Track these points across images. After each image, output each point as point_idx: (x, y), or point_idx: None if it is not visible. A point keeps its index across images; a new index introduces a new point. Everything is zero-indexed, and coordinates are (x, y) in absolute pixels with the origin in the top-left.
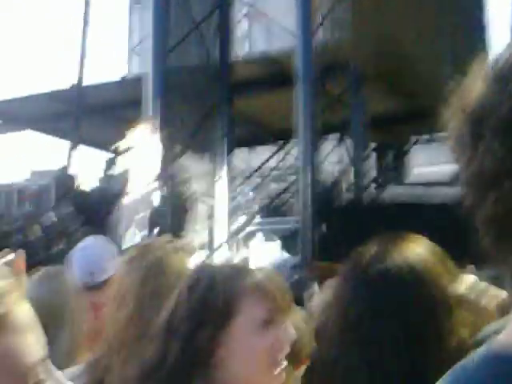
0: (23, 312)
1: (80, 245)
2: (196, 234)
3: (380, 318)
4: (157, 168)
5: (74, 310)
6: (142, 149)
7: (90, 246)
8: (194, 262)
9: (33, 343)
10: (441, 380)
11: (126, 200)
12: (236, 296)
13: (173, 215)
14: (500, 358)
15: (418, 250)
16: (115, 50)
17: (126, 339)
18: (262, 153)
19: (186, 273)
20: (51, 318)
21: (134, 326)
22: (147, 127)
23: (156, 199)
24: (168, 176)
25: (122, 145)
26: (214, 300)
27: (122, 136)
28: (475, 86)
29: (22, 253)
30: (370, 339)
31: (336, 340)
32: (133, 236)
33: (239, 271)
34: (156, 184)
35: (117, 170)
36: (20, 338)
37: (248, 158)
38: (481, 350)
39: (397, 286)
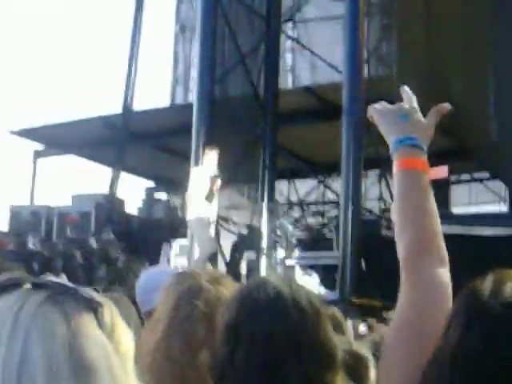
0: None
1: (145, 272)
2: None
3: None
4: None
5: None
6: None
7: (154, 273)
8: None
9: None
10: None
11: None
12: None
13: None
14: None
15: None
16: (159, 80)
17: (153, 364)
18: (301, 186)
19: (219, 302)
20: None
21: (161, 351)
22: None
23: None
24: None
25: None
26: None
27: (163, 165)
28: None
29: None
30: None
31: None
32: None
33: None
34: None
35: (158, 198)
36: None
37: (287, 191)
38: None
39: None
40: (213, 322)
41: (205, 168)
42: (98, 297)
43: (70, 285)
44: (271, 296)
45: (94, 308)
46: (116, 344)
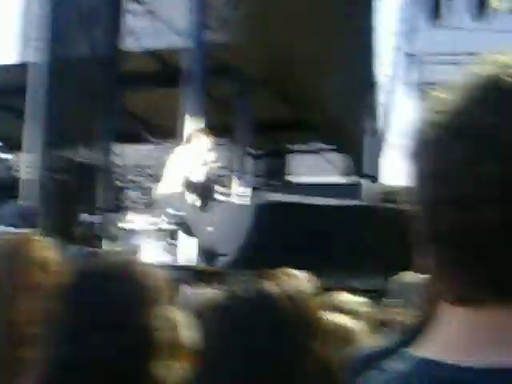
0: None
1: None
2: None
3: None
4: None
5: None
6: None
7: None
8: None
9: None
10: None
11: None
12: None
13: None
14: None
15: (294, 281)
16: (5, 38)
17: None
18: (140, 149)
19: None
20: None
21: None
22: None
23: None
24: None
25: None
26: None
27: (4, 124)
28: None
29: None
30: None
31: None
32: None
33: None
34: None
35: None
36: None
37: (126, 154)
38: (404, 361)
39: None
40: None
41: (192, 149)
42: None
43: None
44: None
45: None
46: None
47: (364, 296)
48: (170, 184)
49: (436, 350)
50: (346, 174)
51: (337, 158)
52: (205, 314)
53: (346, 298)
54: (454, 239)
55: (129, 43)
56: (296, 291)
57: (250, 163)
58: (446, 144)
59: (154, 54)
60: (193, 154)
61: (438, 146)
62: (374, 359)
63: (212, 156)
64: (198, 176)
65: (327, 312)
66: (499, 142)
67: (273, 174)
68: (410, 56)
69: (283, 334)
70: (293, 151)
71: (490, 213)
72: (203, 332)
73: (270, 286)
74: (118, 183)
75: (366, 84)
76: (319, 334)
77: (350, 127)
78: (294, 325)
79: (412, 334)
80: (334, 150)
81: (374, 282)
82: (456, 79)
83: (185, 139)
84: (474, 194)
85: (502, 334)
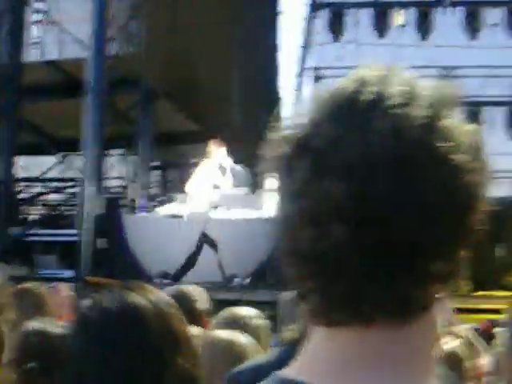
0: None
1: None
2: None
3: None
4: None
5: None
6: None
7: None
8: None
9: None
10: None
11: None
12: None
13: None
14: None
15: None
16: None
17: None
18: (43, 161)
19: None
20: None
21: None
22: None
23: None
24: None
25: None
26: None
27: None
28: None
29: None
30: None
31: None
32: None
33: None
34: None
35: None
36: None
37: (28, 166)
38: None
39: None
40: None
41: (212, 161)
42: None
43: None
44: None
45: None
46: None
47: (261, 309)
48: (201, 201)
49: (296, 370)
50: (250, 186)
51: (240, 171)
52: (71, 327)
53: (241, 312)
54: (309, 256)
55: (31, 54)
56: (163, 304)
57: (151, 175)
58: (290, 160)
59: (56, 65)
60: (216, 167)
61: (284, 162)
62: (256, 376)
63: (230, 165)
64: (227, 187)
65: (222, 328)
66: (340, 159)
67: (174, 185)
68: (314, 70)
69: (148, 347)
70: (195, 163)
71: (337, 230)
72: (70, 344)
73: (137, 298)
74: (21, 196)
75: (270, 97)
76: (185, 348)
77: (253, 140)
78: (159, 338)
79: (288, 351)
80: (236, 162)
81: (272, 296)
82: (318, 94)
83: (205, 153)
84: (318, 210)
85: (363, 356)
